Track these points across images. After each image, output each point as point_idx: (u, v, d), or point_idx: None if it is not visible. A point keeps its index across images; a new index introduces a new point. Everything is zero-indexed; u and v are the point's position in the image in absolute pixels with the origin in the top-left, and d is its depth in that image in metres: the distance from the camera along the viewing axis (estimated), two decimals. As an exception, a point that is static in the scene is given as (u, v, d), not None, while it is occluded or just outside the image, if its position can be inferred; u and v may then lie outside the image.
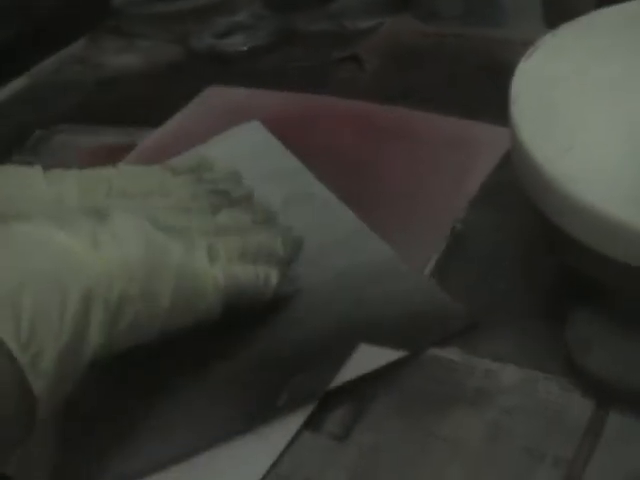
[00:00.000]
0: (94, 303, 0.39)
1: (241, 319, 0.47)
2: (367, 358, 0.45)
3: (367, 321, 0.47)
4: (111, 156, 0.65)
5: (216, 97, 0.71)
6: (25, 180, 0.51)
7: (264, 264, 0.47)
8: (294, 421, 0.43)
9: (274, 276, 0.47)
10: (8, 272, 0.37)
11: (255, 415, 0.44)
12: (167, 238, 0.43)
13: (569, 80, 0.47)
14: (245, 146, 0.62)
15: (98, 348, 0.39)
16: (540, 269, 0.49)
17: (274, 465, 0.42)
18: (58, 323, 0.37)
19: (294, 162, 0.60)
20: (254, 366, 0.46)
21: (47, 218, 0.41)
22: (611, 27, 0.50)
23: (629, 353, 0.42)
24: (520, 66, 0.47)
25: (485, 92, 0.65)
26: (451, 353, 0.45)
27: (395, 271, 0.50)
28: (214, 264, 0.44)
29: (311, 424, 0.43)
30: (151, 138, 0.67)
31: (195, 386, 0.46)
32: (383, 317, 0.47)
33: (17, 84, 0.80)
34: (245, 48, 0.78)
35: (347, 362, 0.44)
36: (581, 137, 0.43)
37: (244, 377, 0.46)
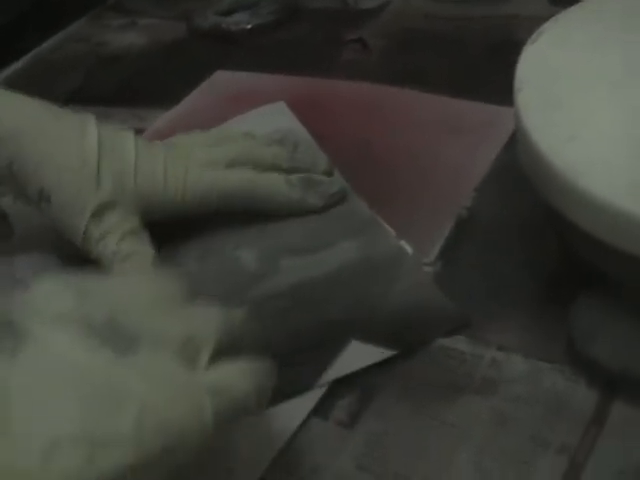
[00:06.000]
0: None
1: None
2: (357, 356, 0.45)
3: (362, 317, 0.47)
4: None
5: (224, 82, 0.70)
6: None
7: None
8: (303, 408, 0.44)
9: None
10: None
11: None
12: None
13: (573, 68, 0.46)
14: (270, 127, 0.61)
15: None
16: (545, 255, 0.49)
17: (282, 451, 0.42)
18: None
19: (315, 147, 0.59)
20: None
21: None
22: (616, 12, 0.50)
23: (634, 342, 0.42)
24: (524, 52, 0.47)
25: (491, 73, 0.65)
26: (457, 342, 0.45)
27: (398, 266, 0.50)
28: None
29: (319, 411, 0.44)
30: (161, 121, 0.67)
31: None
32: (380, 314, 0.47)
33: (17, 65, 0.80)
34: (249, 26, 0.78)
35: (337, 359, 0.45)
36: (585, 126, 0.43)
37: None
